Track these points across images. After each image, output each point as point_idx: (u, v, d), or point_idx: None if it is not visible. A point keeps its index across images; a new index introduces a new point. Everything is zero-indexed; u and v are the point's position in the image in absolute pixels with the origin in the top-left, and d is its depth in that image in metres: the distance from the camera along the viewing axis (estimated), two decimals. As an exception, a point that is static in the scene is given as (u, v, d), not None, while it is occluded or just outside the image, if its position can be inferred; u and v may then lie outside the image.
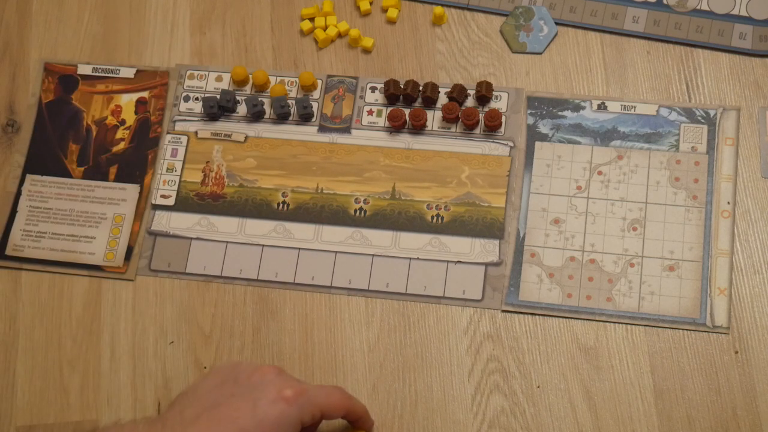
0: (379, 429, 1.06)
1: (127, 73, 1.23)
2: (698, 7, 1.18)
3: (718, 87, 1.15)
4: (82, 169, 1.19)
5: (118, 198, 1.17)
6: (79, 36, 1.25)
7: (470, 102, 1.17)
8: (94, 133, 1.20)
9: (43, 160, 1.20)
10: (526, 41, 1.20)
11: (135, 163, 1.19)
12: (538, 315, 1.08)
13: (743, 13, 1.17)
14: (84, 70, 1.23)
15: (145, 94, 1.22)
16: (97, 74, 1.23)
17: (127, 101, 1.22)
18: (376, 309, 1.11)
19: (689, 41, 1.17)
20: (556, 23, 1.20)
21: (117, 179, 1.18)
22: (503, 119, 1.16)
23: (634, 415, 1.04)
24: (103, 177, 1.18)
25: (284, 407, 0.93)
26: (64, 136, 1.21)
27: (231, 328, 1.11)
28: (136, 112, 1.21)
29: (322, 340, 1.10)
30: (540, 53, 1.19)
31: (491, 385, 1.06)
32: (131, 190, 1.18)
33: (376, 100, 1.19)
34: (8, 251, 1.16)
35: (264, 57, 1.23)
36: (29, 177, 1.19)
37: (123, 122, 1.21)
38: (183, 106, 1.21)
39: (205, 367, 1.10)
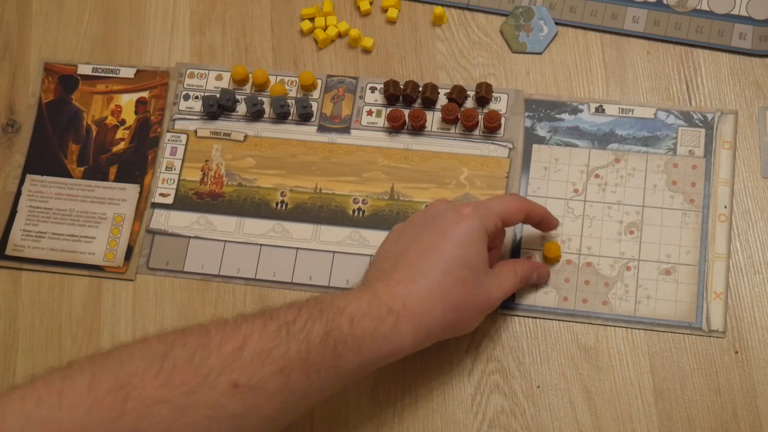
0: (379, 429, 1.06)
1: (127, 73, 1.23)
2: (698, 7, 1.18)
3: (718, 87, 1.15)
4: (82, 169, 1.19)
5: (118, 198, 1.17)
6: (79, 36, 1.26)
7: (470, 103, 1.17)
8: (94, 133, 1.21)
9: (43, 160, 1.20)
10: (526, 41, 1.19)
11: (135, 163, 1.19)
12: (534, 318, 1.08)
13: (743, 13, 1.17)
14: (84, 70, 1.24)
15: (145, 94, 1.22)
16: (97, 74, 1.23)
17: (127, 101, 1.22)
18: (375, 309, 1.11)
19: (689, 41, 1.17)
20: (556, 23, 1.20)
21: (117, 179, 1.18)
22: (502, 120, 1.16)
23: (634, 415, 1.04)
24: (103, 177, 1.19)
25: (467, 223, 0.98)
26: (64, 136, 1.21)
27: (231, 327, 1.11)
28: (136, 112, 1.21)
29: (322, 339, 1.10)
30: (540, 53, 1.19)
31: (491, 385, 1.06)
32: (131, 190, 1.18)
33: (376, 100, 1.19)
34: (8, 251, 1.17)
35: (264, 57, 1.23)
36: (29, 177, 1.19)
37: (123, 122, 1.21)
38: (183, 105, 1.21)
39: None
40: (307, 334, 0.89)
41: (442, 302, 0.95)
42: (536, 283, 1.08)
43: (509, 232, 1.11)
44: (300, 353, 0.88)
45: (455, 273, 0.96)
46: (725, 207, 1.10)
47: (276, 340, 0.88)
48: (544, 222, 1.07)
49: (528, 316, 1.08)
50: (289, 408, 0.89)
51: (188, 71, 1.23)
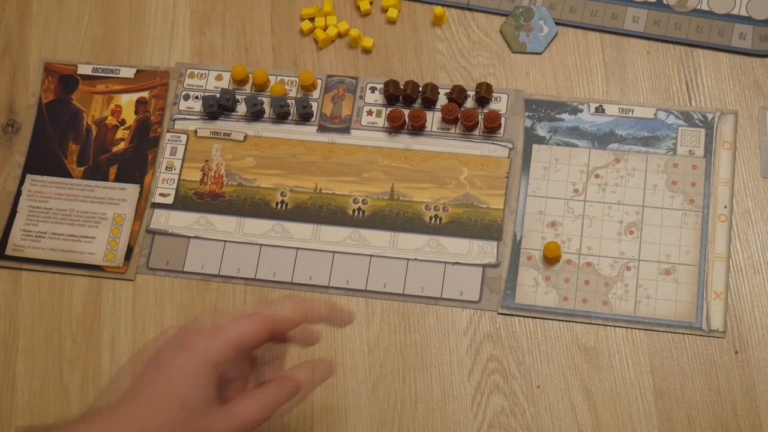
0: (380, 429, 1.06)
1: (127, 73, 1.23)
2: (698, 7, 1.18)
3: (718, 87, 1.15)
4: (82, 169, 1.19)
5: (118, 198, 1.17)
6: (79, 36, 1.25)
7: (470, 103, 1.17)
8: (94, 133, 1.21)
9: (43, 160, 1.20)
10: (526, 41, 1.19)
11: (135, 163, 1.19)
12: (534, 318, 1.08)
13: (743, 13, 1.17)
14: (84, 70, 1.23)
15: (145, 94, 1.22)
16: (97, 74, 1.23)
17: (127, 101, 1.22)
18: (376, 309, 1.11)
19: (689, 41, 1.17)
20: (556, 23, 1.20)
21: (117, 179, 1.18)
22: (502, 120, 1.16)
23: (634, 415, 1.04)
24: (103, 177, 1.19)
25: (185, 356, 0.85)
26: (64, 136, 1.21)
27: (231, 327, 1.11)
28: (136, 112, 1.21)
29: (323, 340, 1.10)
30: (540, 53, 1.19)
31: (491, 385, 1.06)
32: (131, 190, 1.18)
33: (376, 100, 1.19)
34: (8, 251, 1.16)
35: (264, 57, 1.23)
36: (29, 177, 1.19)
37: (123, 122, 1.21)
38: (183, 105, 1.21)
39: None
40: None
41: None
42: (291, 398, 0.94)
43: (509, 233, 1.11)
44: None
45: (163, 413, 0.83)
46: (725, 207, 1.10)
47: None
48: (309, 338, 0.96)
49: (528, 316, 1.08)
50: None
51: (188, 71, 1.23)
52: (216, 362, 0.86)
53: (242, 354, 0.89)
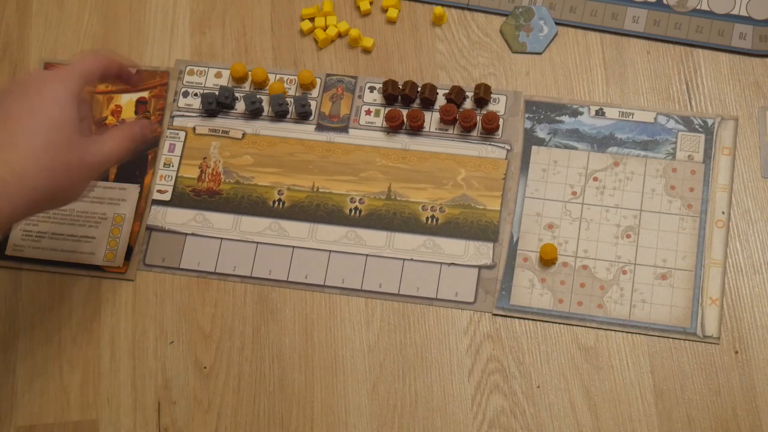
0: (380, 429, 1.06)
1: (127, 72, 1.23)
2: (698, 7, 1.18)
3: (718, 87, 1.15)
4: (82, 169, 1.19)
5: (118, 198, 1.18)
6: (79, 36, 1.26)
7: (468, 104, 1.17)
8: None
9: (43, 160, 1.20)
10: (526, 41, 1.19)
11: (135, 163, 1.19)
12: (529, 320, 1.08)
13: (743, 13, 1.17)
14: (84, 69, 1.24)
15: (145, 94, 1.22)
16: (97, 74, 1.23)
17: (127, 101, 1.22)
18: (376, 309, 1.11)
19: (689, 41, 1.17)
20: (556, 23, 1.20)
21: (117, 179, 1.18)
22: (501, 122, 1.16)
23: (634, 415, 1.04)
24: (103, 177, 1.18)
25: (52, 86, 0.97)
26: (64, 136, 1.21)
27: (231, 328, 1.11)
28: (136, 113, 1.21)
29: (322, 340, 1.10)
30: (540, 53, 1.19)
31: (491, 385, 1.06)
32: (131, 190, 1.18)
33: (375, 100, 1.19)
34: (8, 251, 1.17)
35: (264, 57, 1.23)
36: (29, 177, 1.19)
37: (123, 122, 1.21)
38: (182, 102, 1.21)
39: (205, 367, 1.10)
40: None
41: (33, 166, 0.94)
42: (143, 138, 1.07)
43: (505, 234, 1.11)
44: None
45: (43, 136, 0.95)
46: (723, 213, 1.10)
47: None
48: (123, 77, 1.07)
49: (523, 318, 1.08)
50: None
51: (188, 68, 1.23)
52: (75, 92, 0.99)
53: (92, 83, 1.03)
